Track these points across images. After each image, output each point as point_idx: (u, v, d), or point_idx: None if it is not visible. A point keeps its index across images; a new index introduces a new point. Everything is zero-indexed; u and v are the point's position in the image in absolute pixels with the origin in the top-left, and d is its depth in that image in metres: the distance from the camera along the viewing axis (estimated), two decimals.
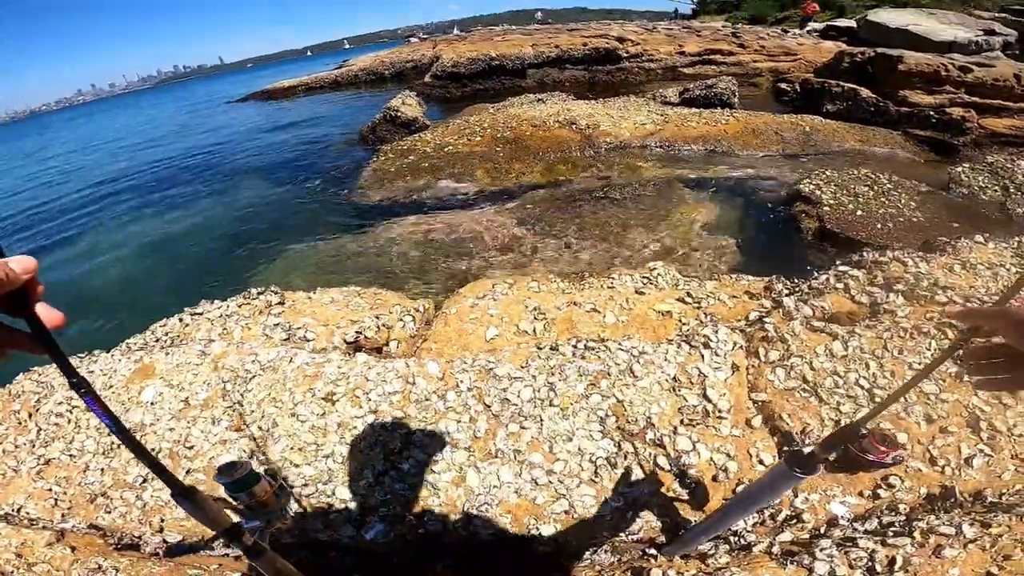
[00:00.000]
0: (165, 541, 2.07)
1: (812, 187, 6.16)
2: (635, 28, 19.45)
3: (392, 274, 5.69)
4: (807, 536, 1.79)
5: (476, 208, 7.25)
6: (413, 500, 2.00)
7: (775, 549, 1.73)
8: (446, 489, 2.02)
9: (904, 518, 1.77)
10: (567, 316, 3.15)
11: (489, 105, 12.01)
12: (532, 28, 23.69)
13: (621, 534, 1.91)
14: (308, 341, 3.08)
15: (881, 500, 1.90)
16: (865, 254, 3.41)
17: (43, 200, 12.99)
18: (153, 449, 2.25)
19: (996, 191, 6.14)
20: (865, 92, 9.75)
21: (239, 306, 3.46)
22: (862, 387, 2.26)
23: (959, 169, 6.79)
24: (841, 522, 1.85)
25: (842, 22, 18.43)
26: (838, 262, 3.35)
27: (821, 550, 1.63)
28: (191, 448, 2.28)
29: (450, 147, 9.12)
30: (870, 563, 1.57)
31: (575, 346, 2.61)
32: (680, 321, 3.05)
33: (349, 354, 2.84)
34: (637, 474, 2.03)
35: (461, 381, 2.44)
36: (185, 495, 0.85)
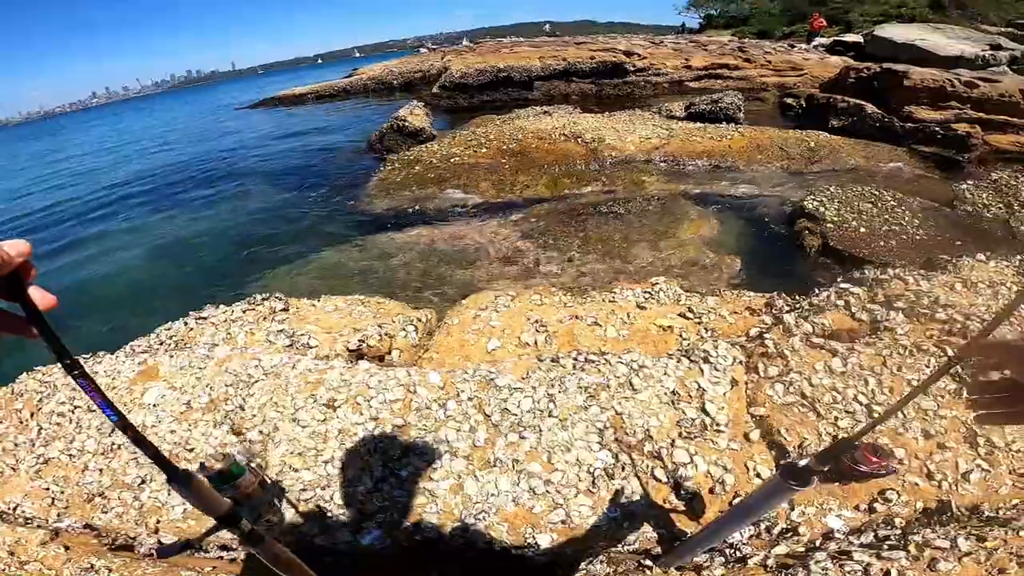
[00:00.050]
0: (160, 542, 2.08)
1: (816, 204, 6.17)
2: (642, 42, 19.59)
3: (395, 284, 5.73)
4: (802, 549, 1.79)
5: (480, 220, 7.29)
6: (411, 507, 2.02)
7: (770, 562, 1.74)
8: (444, 497, 2.04)
9: (900, 532, 1.78)
10: (568, 329, 3.17)
11: (496, 117, 12.09)
12: (540, 41, 23.90)
13: (617, 545, 1.91)
14: (311, 348, 3.11)
15: (877, 514, 1.91)
16: (867, 271, 3.43)
17: (53, 202, 13.19)
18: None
19: (1000, 208, 6.14)
20: (870, 108, 9.76)
21: (244, 311, 3.50)
22: (860, 403, 2.27)
23: (963, 186, 6.80)
24: (837, 535, 1.85)
25: (849, 37, 18.53)
26: (839, 279, 3.36)
27: (816, 563, 1.63)
28: (191, 450, 2.31)
29: (456, 158, 9.18)
30: None
31: (575, 359, 2.63)
32: (681, 336, 3.07)
33: (351, 362, 2.87)
34: (634, 485, 2.04)
35: (462, 391, 2.46)
36: (181, 480, 0.84)
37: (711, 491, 2.02)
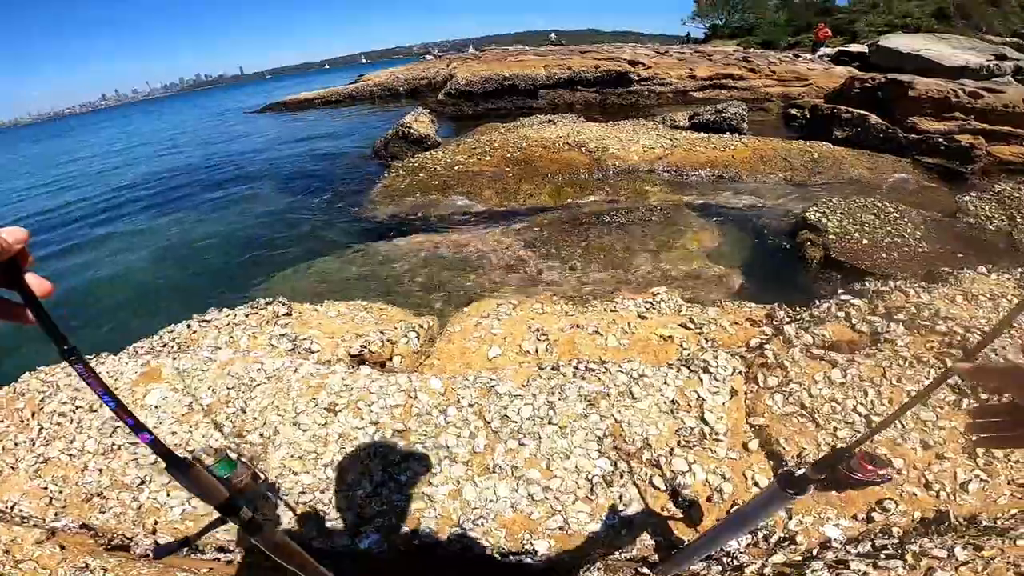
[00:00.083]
0: (157, 543, 2.09)
1: (818, 215, 6.17)
2: (647, 51, 19.67)
3: (398, 290, 5.75)
4: (799, 558, 1.79)
5: (484, 228, 7.31)
6: (409, 511, 2.03)
7: (767, 571, 1.74)
8: (443, 502, 2.05)
9: (897, 541, 1.78)
10: (569, 338, 3.19)
11: (500, 125, 12.14)
12: (545, 49, 24.02)
13: (615, 552, 1.92)
14: (313, 352, 3.13)
15: (875, 523, 1.91)
16: (868, 283, 3.44)
17: (63, 202, 13.28)
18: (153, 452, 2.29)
19: (1003, 221, 6.12)
20: (874, 119, 9.73)
21: (247, 315, 3.52)
22: (859, 414, 2.28)
23: (966, 198, 6.78)
24: (834, 544, 1.86)
25: (854, 47, 18.58)
26: (840, 291, 3.38)
27: (813, 572, 1.64)
28: (191, 452, 2.32)
29: (460, 165, 9.22)
30: None
31: (576, 367, 2.64)
32: (681, 346, 3.09)
33: (353, 367, 2.89)
34: (632, 493, 2.05)
35: (462, 397, 2.48)
36: (180, 467, 0.84)
37: (709, 499, 2.02)
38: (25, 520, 2.19)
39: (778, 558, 1.80)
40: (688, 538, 1.90)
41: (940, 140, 8.80)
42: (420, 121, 12.02)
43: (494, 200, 8.20)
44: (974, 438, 0.89)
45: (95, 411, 2.56)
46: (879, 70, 12.34)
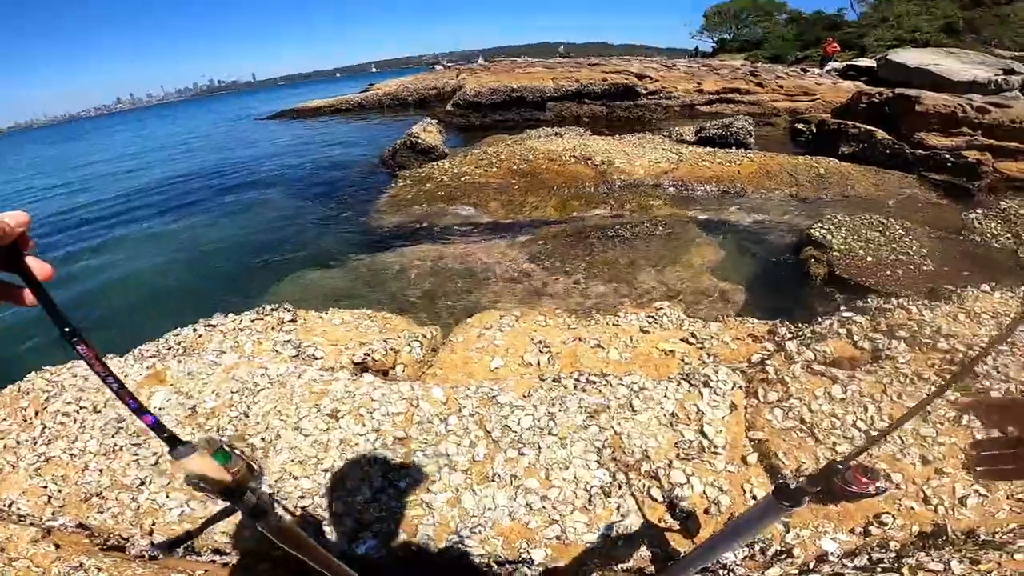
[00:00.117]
0: (153, 544, 2.10)
1: (823, 232, 6.18)
2: (654, 64, 19.80)
3: (402, 299, 5.79)
4: (796, 571, 1.80)
5: (489, 239, 7.36)
6: (408, 518, 2.04)
7: None
8: (441, 509, 2.06)
9: (894, 555, 1.78)
10: (572, 351, 3.21)
11: (507, 136, 12.23)
12: (554, 61, 24.21)
13: (611, 562, 1.93)
14: (317, 359, 3.16)
15: (872, 537, 1.91)
16: (870, 300, 3.45)
17: (77, 205, 13.51)
18: (155, 452, 2.31)
19: (1008, 238, 6.11)
20: (881, 134, 9.71)
21: (252, 320, 3.55)
22: (859, 429, 2.28)
23: (972, 215, 6.77)
24: (831, 558, 1.86)
25: (863, 61, 18.61)
26: (843, 308, 3.39)
27: None
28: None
29: (467, 176, 9.28)
30: None
31: (577, 379, 2.66)
32: (683, 360, 3.10)
33: (356, 374, 2.91)
34: (630, 504, 2.06)
35: (464, 406, 2.49)
36: (182, 451, 0.84)
37: (706, 511, 2.03)
38: (22, 518, 2.20)
39: (775, 571, 1.81)
40: (685, 550, 1.91)
41: (947, 156, 8.77)
42: (428, 131, 12.12)
43: (500, 212, 8.25)
44: (977, 470, 0.89)
45: (99, 412, 2.59)
46: (887, 84, 12.36)
